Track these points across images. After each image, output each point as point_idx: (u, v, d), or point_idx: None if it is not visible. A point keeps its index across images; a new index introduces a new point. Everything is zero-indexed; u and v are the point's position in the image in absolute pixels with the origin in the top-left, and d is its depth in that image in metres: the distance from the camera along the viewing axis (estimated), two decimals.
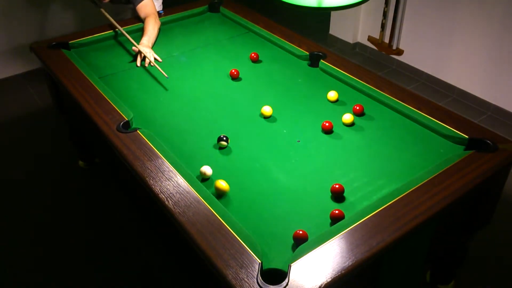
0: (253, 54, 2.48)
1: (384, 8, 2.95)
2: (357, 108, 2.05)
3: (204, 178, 1.71)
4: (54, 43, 2.55)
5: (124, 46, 2.65)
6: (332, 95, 2.15)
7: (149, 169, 1.68)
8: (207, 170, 1.71)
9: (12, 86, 3.85)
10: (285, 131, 1.99)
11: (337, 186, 1.63)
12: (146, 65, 2.45)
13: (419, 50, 3.79)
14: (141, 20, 2.76)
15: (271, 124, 2.04)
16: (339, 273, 1.30)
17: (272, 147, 1.90)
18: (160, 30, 2.75)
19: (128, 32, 2.62)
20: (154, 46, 2.60)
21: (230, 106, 2.16)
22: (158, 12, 2.83)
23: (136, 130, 1.89)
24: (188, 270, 1.80)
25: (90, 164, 3.00)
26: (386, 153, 1.85)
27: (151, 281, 2.29)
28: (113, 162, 2.13)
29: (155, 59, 2.46)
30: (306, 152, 1.87)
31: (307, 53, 2.46)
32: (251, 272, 1.30)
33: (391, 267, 1.55)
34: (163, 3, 3.17)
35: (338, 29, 4.44)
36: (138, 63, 2.46)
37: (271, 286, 1.26)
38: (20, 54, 3.87)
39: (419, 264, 1.70)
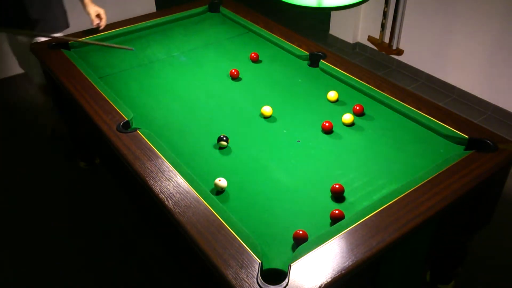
0: (253, 54, 2.48)
1: (384, 8, 2.94)
2: (357, 108, 2.05)
3: (218, 191, 1.66)
4: (54, 43, 2.55)
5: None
6: (332, 95, 2.15)
7: (149, 169, 1.68)
8: (223, 183, 1.65)
9: (12, 86, 3.85)
10: (285, 131, 1.99)
11: (337, 186, 1.63)
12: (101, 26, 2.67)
13: (419, 50, 3.79)
14: None
15: (271, 124, 2.04)
16: (339, 273, 1.30)
17: (272, 147, 1.90)
18: (160, 30, 2.76)
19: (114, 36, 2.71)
20: (154, 46, 2.60)
21: (230, 106, 2.16)
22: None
23: (136, 130, 1.89)
24: (188, 270, 1.80)
25: (90, 164, 3.00)
26: (386, 153, 1.85)
27: (151, 281, 2.29)
28: (113, 162, 2.13)
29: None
30: (306, 152, 1.87)
31: (307, 53, 2.46)
32: (251, 272, 1.30)
33: (391, 267, 1.55)
34: (165, 3, 3.15)
35: (338, 29, 4.44)
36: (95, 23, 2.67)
37: (271, 286, 1.26)
38: (20, 54, 3.86)
39: (419, 264, 1.70)
